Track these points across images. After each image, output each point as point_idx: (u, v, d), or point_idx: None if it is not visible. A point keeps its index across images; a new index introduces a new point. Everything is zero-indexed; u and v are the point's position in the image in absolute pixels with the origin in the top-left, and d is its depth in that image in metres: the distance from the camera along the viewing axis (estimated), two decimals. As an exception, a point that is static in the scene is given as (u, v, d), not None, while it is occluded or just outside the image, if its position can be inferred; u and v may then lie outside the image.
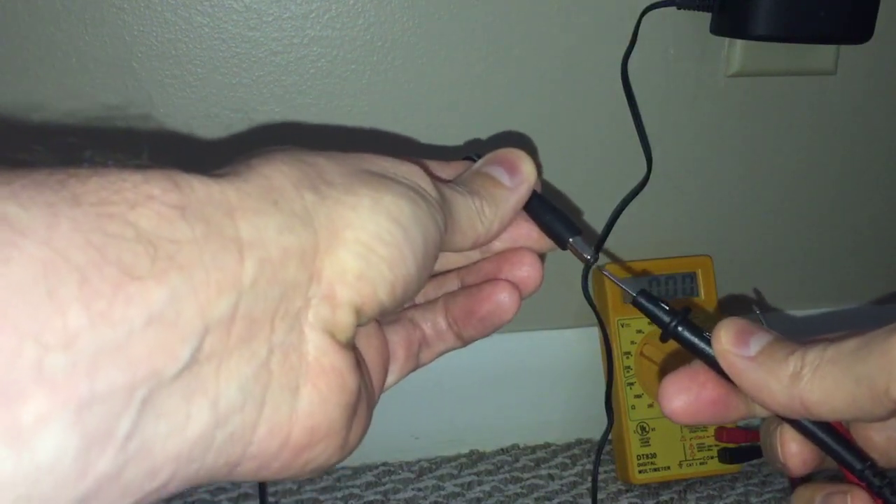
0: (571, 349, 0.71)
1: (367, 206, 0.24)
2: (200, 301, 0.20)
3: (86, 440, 0.18)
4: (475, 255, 0.33)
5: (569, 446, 0.72)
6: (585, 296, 0.68)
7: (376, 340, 0.29)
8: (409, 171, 0.27)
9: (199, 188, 0.21)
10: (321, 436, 0.23)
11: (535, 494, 0.66)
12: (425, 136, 0.64)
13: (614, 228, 0.68)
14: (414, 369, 0.33)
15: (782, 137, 0.71)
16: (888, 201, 0.76)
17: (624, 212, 0.67)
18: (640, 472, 0.66)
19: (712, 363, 0.29)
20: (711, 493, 0.67)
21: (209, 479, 0.21)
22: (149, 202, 0.20)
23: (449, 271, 0.34)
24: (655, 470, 0.66)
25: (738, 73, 0.67)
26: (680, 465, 0.66)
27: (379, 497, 0.65)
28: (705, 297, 0.68)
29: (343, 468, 0.68)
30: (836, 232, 0.76)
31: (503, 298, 0.32)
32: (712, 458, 0.67)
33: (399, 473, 0.68)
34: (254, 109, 0.61)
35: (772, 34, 0.62)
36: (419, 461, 0.69)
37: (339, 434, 0.24)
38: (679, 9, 0.63)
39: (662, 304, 0.30)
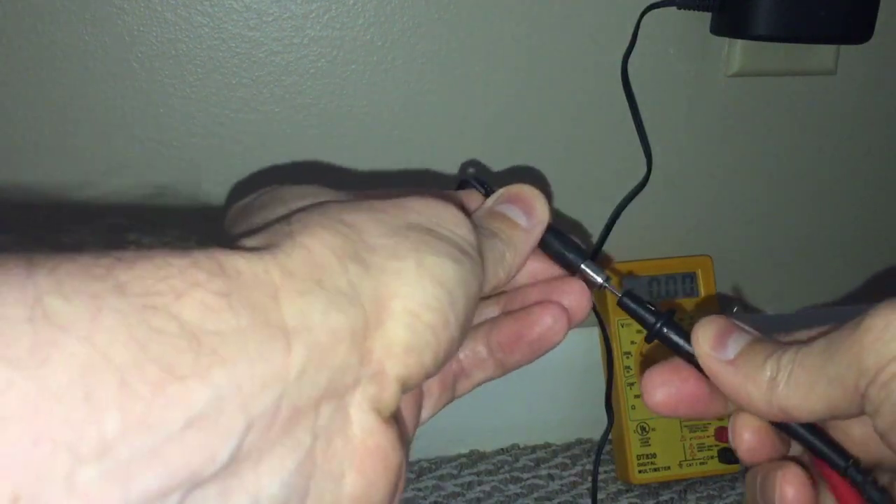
0: (571, 349, 0.71)
1: (413, 270, 0.23)
2: (244, 396, 0.19)
3: None
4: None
5: (569, 446, 0.72)
6: (585, 296, 0.68)
7: None
8: (452, 221, 0.26)
9: (245, 270, 0.20)
10: None
11: (535, 494, 0.66)
12: (425, 136, 0.64)
13: (614, 228, 0.68)
14: (450, 402, 0.32)
15: (782, 137, 0.71)
16: (889, 201, 0.76)
17: (624, 212, 0.67)
18: (640, 472, 0.66)
19: (696, 363, 0.29)
20: (711, 493, 0.67)
21: None
22: (194, 290, 0.19)
23: (486, 298, 0.33)
24: (655, 470, 0.66)
25: (738, 73, 0.67)
26: (680, 465, 0.66)
27: (379, 497, 0.65)
28: (705, 297, 0.68)
29: (343, 468, 0.68)
30: (837, 232, 0.76)
31: (554, 322, 0.31)
32: (712, 458, 0.67)
33: (399, 473, 0.68)
34: (254, 109, 0.61)
35: (772, 34, 0.62)
36: (419, 461, 0.69)
37: None
38: (679, 9, 0.63)
39: (648, 306, 0.30)
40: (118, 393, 0.17)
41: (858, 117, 0.72)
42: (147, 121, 0.60)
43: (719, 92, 0.68)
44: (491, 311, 0.33)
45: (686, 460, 0.66)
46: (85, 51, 0.58)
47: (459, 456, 0.70)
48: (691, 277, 0.69)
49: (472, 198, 0.31)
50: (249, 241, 0.22)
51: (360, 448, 0.22)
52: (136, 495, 0.17)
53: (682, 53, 0.66)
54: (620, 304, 0.31)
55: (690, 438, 0.67)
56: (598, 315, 0.67)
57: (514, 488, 0.67)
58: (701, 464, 0.66)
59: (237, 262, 0.20)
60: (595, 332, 0.69)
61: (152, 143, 0.61)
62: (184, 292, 0.19)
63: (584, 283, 0.31)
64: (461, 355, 0.31)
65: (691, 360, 0.29)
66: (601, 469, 0.67)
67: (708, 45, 0.67)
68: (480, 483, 0.67)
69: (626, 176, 0.67)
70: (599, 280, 0.31)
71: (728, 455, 0.66)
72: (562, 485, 0.68)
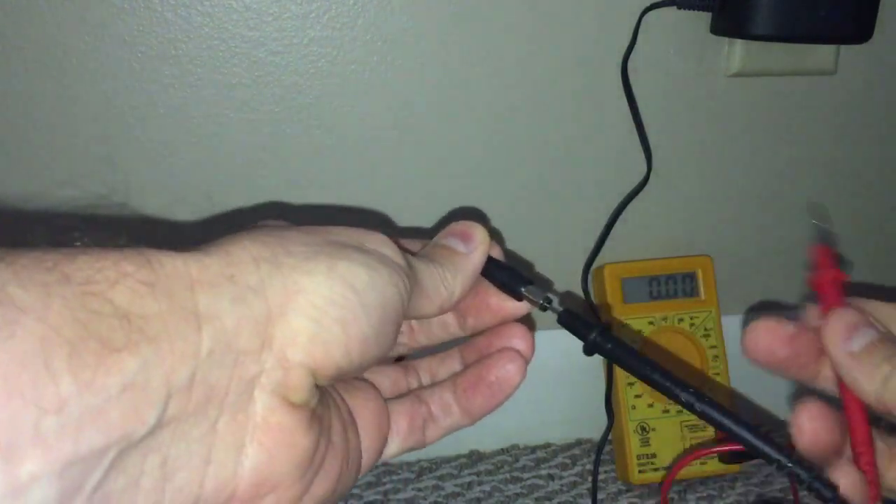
0: (571, 349, 0.71)
1: (322, 272, 0.26)
2: (166, 369, 0.22)
3: (63, 493, 0.20)
4: (454, 328, 0.36)
5: (569, 446, 0.72)
6: (585, 296, 0.68)
7: (373, 404, 0.31)
8: (376, 241, 0.29)
9: (167, 264, 0.24)
10: (268, 489, 0.25)
11: (535, 494, 0.66)
12: (425, 136, 0.64)
13: (614, 228, 0.68)
14: (420, 446, 0.35)
15: (782, 137, 0.71)
16: (888, 201, 0.76)
17: (624, 212, 0.68)
18: (640, 472, 0.66)
19: (635, 372, 0.32)
20: (711, 493, 0.67)
21: None
22: (125, 279, 0.22)
23: (450, 350, 0.37)
24: (655, 470, 0.66)
25: (738, 73, 0.67)
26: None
27: (379, 497, 0.65)
28: (705, 297, 0.68)
29: (343, 468, 0.68)
30: (837, 232, 0.75)
31: (510, 366, 0.34)
32: (712, 458, 0.67)
33: (399, 473, 0.68)
34: (254, 109, 0.61)
35: (772, 34, 0.62)
36: (419, 461, 0.69)
37: (290, 487, 0.26)
38: (679, 9, 0.64)
39: (584, 321, 0.33)
40: (69, 361, 0.20)
41: (858, 117, 0.72)
42: (147, 121, 0.60)
43: (719, 92, 0.68)
44: (455, 362, 0.37)
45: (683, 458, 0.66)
46: (85, 51, 0.58)
47: (459, 456, 0.70)
48: (691, 277, 0.69)
49: (412, 244, 0.35)
50: (189, 249, 0.26)
51: (262, 424, 0.25)
52: (83, 447, 0.20)
53: (682, 53, 0.66)
54: (559, 321, 0.34)
55: (690, 438, 0.67)
56: (599, 315, 0.67)
57: (514, 488, 0.67)
58: (701, 464, 0.66)
59: (161, 258, 0.24)
60: (595, 332, 0.69)
61: (153, 144, 0.61)
62: (116, 281, 0.22)
63: (525, 328, 0.35)
64: (431, 402, 0.35)
65: (630, 368, 0.32)
66: (601, 469, 0.67)
67: (708, 45, 0.67)
68: (480, 483, 0.67)
69: (626, 176, 0.67)
70: (539, 301, 0.34)
71: (728, 455, 0.66)
72: (562, 485, 0.68)
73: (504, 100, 0.65)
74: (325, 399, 0.28)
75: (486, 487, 0.67)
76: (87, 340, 0.21)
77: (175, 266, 0.24)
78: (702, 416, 0.30)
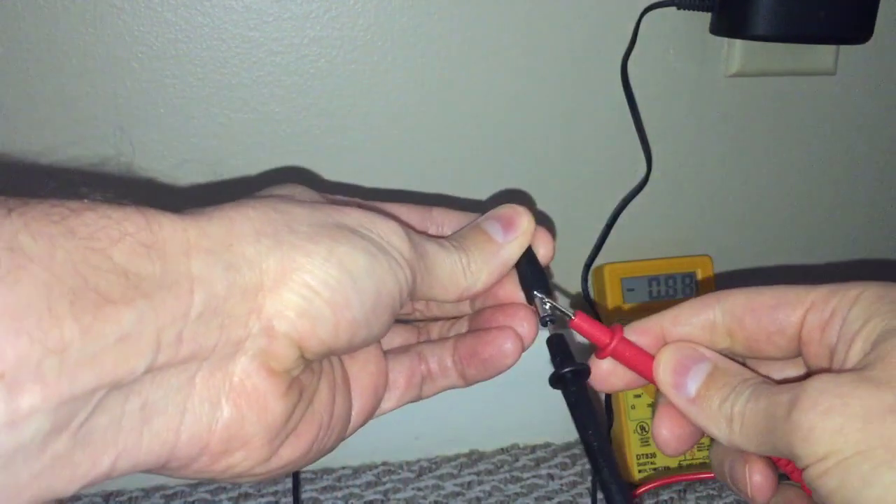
0: (571, 349, 0.71)
1: (321, 253, 0.27)
2: (158, 325, 0.23)
3: (54, 427, 0.22)
4: (465, 306, 0.36)
5: (569, 446, 0.72)
6: (585, 296, 0.68)
7: (373, 367, 0.32)
8: (384, 228, 0.29)
9: (167, 226, 0.25)
10: (238, 447, 0.26)
11: (535, 494, 0.66)
12: (425, 136, 0.64)
13: (614, 228, 0.68)
14: (415, 399, 0.35)
15: (782, 137, 0.71)
16: (888, 201, 0.76)
17: (624, 212, 0.68)
18: (640, 472, 0.66)
19: (578, 424, 0.31)
20: (711, 493, 0.67)
21: (147, 470, 0.25)
22: (125, 239, 0.24)
23: (461, 317, 0.36)
24: (655, 470, 0.66)
25: (738, 73, 0.67)
26: (680, 465, 0.66)
27: (379, 497, 0.65)
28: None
29: (343, 468, 0.68)
30: (836, 232, 0.76)
31: (506, 345, 0.34)
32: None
33: (399, 473, 0.68)
34: (254, 110, 0.61)
35: (772, 34, 0.62)
36: (419, 461, 0.69)
37: (259, 448, 0.27)
38: (679, 9, 0.64)
39: (567, 354, 0.33)
40: (71, 307, 0.22)
41: (858, 117, 0.72)
42: (147, 121, 0.60)
43: (719, 92, 0.68)
44: (462, 326, 0.36)
45: (686, 460, 0.66)
46: (85, 51, 0.58)
47: (459, 456, 0.70)
48: (691, 277, 0.69)
49: (455, 217, 0.34)
50: (192, 213, 0.27)
51: (238, 385, 0.26)
52: (78, 388, 0.22)
53: (682, 53, 0.66)
54: (547, 341, 0.33)
55: (690, 438, 0.67)
56: (598, 315, 0.67)
57: (514, 488, 0.67)
58: (701, 464, 0.66)
59: (161, 220, 0.25)
60: (595, 331, 0.69)
61: (153, 144, 0.61)
62: (117, 239, 0.23)
63: (531, 310, 0.34)
64: (431, 360, 0.35)
65: (576, 418, 0.31)
66: (601, 469, 0.67)
67: (708, 45, 0.67)
68: (480, 483, 0.67)
69: (626, 176, 0.67)
70: (543, 315, 0.33)
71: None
72: (562, 484, 0.68)
73: (504, 100, 0.65)
74: (315, 367, 0.29)
75: (486, 487, 0.67)
76: (88, 291, 0.22)
77: (174, 229, 0.25)
78: (602, 489, 0.30)
